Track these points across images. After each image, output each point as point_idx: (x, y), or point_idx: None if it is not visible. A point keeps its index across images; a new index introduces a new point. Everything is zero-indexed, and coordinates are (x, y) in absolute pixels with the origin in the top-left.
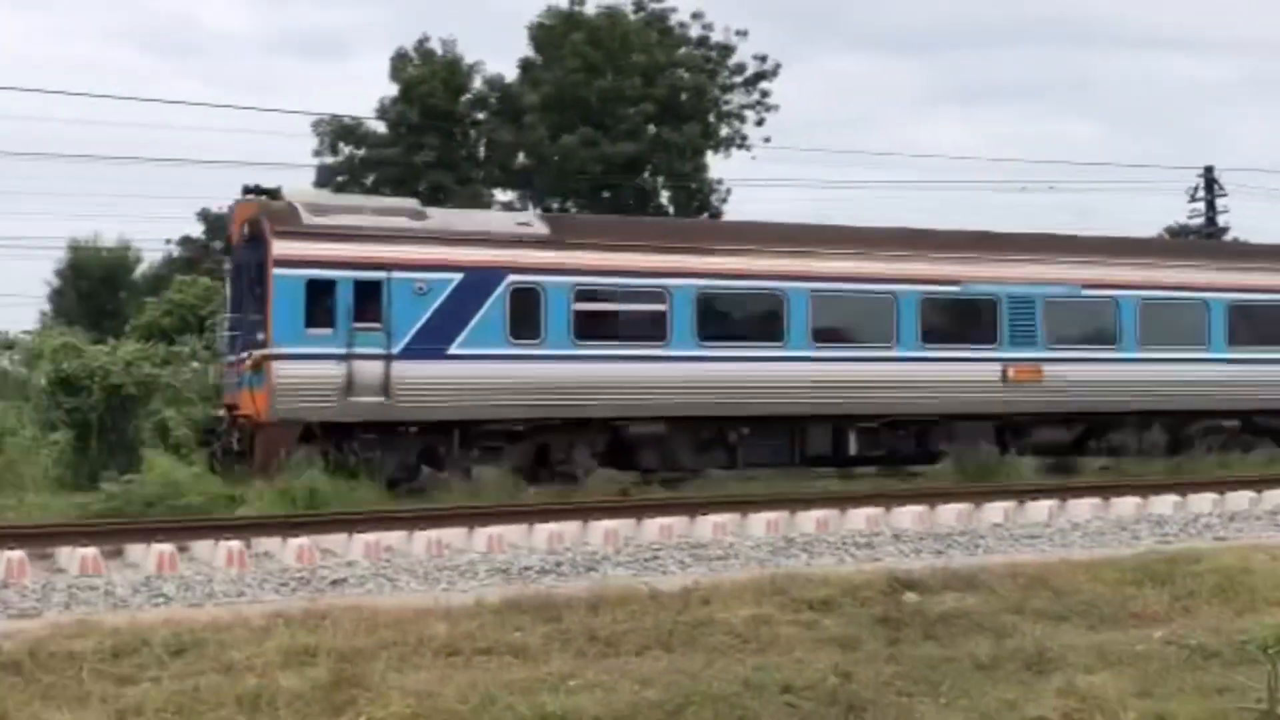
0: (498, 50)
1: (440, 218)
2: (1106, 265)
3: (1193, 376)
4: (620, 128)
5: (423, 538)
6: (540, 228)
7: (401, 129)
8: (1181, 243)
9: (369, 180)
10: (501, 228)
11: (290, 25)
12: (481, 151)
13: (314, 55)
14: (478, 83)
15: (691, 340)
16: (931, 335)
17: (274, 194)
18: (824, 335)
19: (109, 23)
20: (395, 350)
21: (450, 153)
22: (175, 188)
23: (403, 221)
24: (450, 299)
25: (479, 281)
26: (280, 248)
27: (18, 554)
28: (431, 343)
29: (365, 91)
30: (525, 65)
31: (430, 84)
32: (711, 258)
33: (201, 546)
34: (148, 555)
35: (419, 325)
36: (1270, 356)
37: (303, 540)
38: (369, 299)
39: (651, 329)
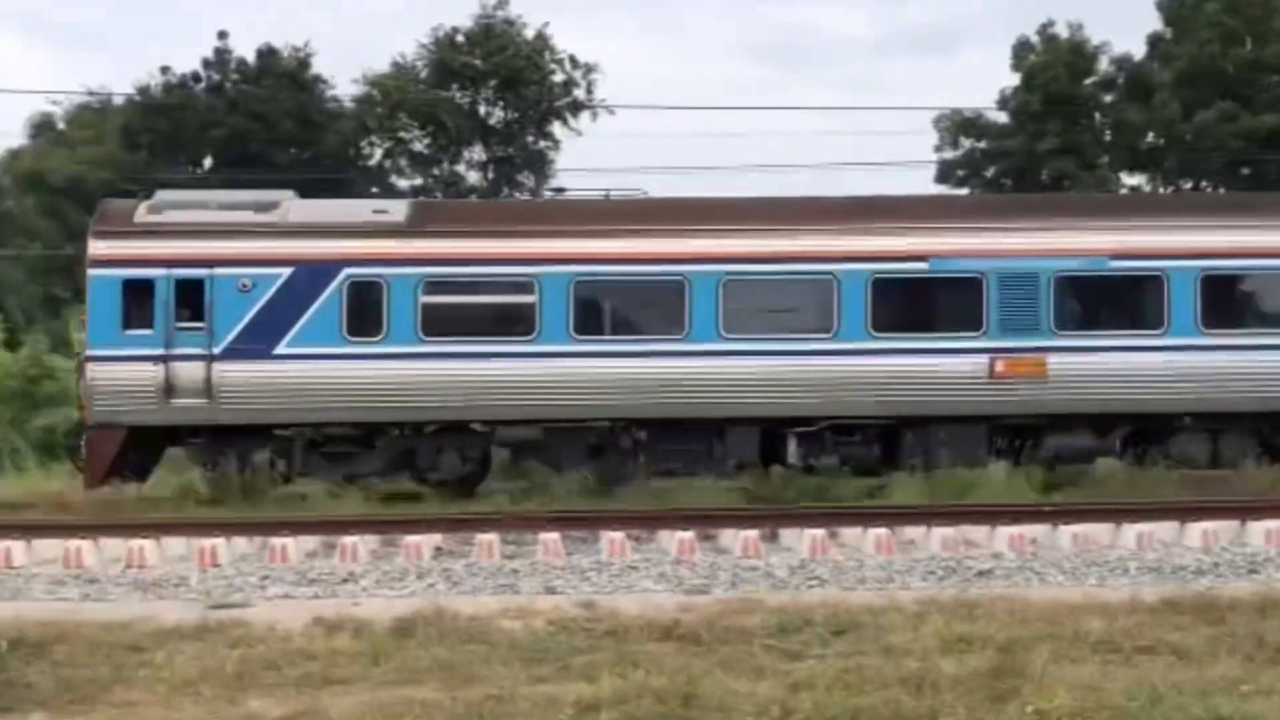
0: (1124, 29)
1: (286, 210)
2: (1148, 229)
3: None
4: (1262, 98)
5: (1067, 532)
6: (396, 216)
7: (1023, 118)
8: (1265, 196)
9: (989, 173)
10: (347, 218)
11: (903, 24)
12: (1107, 135)
13: (926, 51)
14: (1104, 64)
15: (565, 334)
16: (887, 322)
17: (147, 197)
18: (738, 326)
19: (731, 37)
20: (217, 350)
21: (1074, 139)
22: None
23: (235, 215)
24: (278, 295)
25: (311, 276)
26: (96, 247)
27: (688, 534)
28: (256, 342)
29: (981, 83)
30: (1155, 41)
31: (1054, 69)
32: (590, 240)
33: (850, 533)
34: (801, 540)
35: (243, 324)
36: None
37: (948, 530)
38: (191, 297)
39: (517, 323)
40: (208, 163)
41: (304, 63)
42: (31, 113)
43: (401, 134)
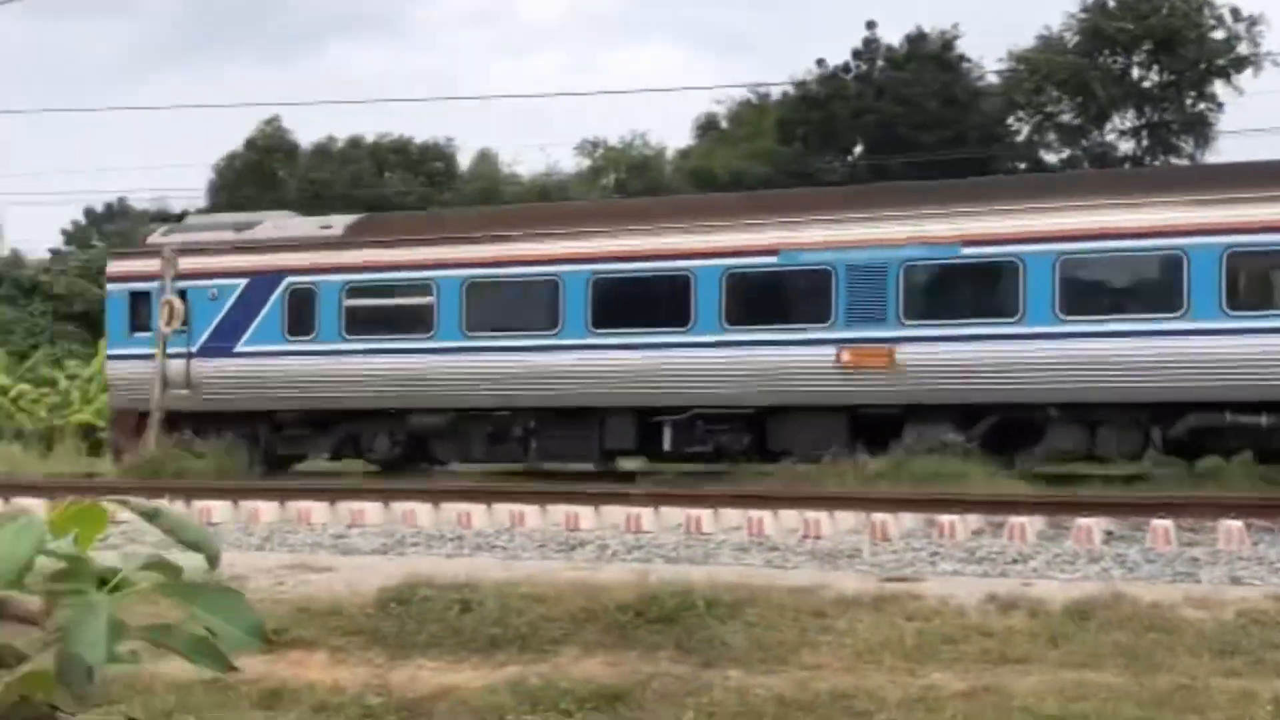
0: None
1: (258, 229)
2: (1001, 214)
3: (1156, 355)
4: None
5: None
6: (335, 230)
7: None
8: (1137, 172)
9: None
10: (295, 233)
11: None
12: None
13: None
14: None
15: (458, 331)
16: (740, 315)
17: (179, 219)
18: (605, 321)
19: None
20: (194, 349)
21: None
22: None
23: (213, 235)
24: (237, 302)
25: (261, 285)
26: (111, 267)
27: None
28: (222, 342)
29: None
30: None
31: None
32: (477, 246)
33: None
34: None
35: (212, 326)
36: None
37: None
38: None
39: (419, 322)
40: (858, 150)
41: (949, 44)
42: (697, 114)
43: (1048, 107)
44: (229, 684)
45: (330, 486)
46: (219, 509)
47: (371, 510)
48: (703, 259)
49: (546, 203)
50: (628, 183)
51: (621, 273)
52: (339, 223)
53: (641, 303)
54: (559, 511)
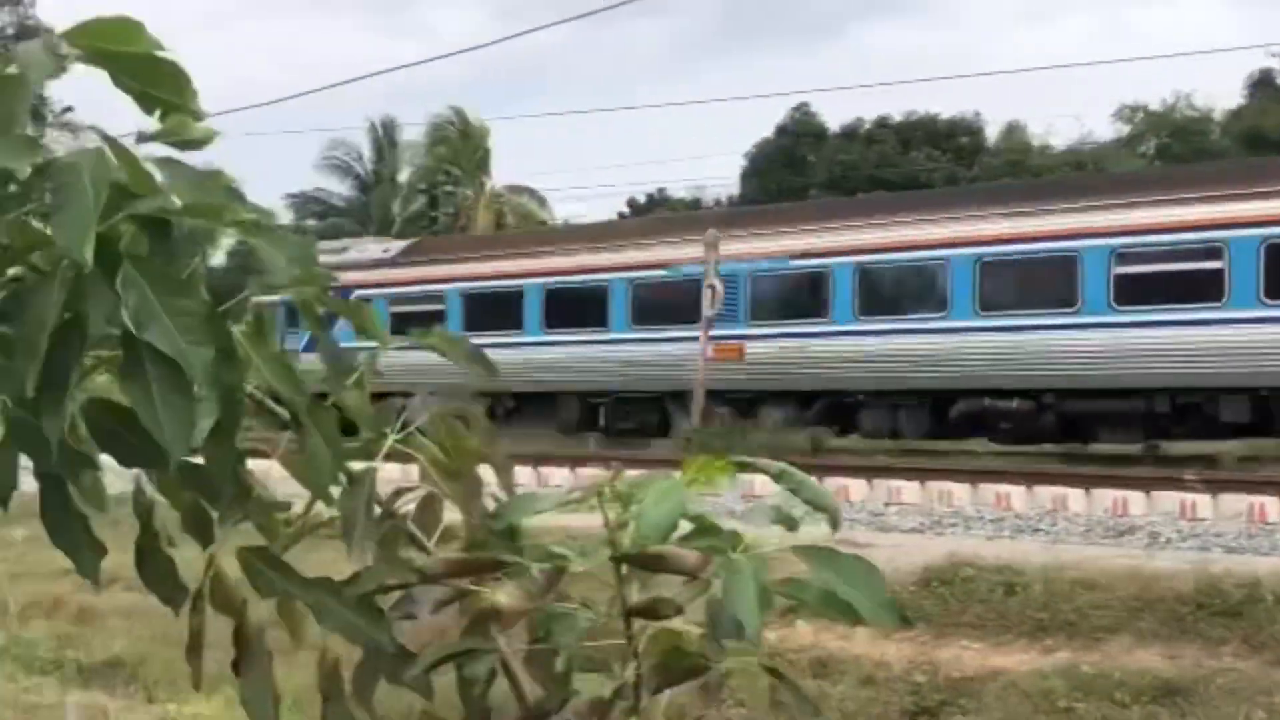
0: None
1: (344, 253)
2: (818, 233)
3: (927, 350)
4: None
5: None
6: (392, 253)
7: None
8: (918, 195)
9: None
10: (364, 256)
11: None
12: None
13: None
14: None
15: (458, 331)
16: (642, 317)
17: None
18: (553, 322)
19: None
20: (299, 349)
21: None
22: None
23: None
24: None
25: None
26: None
27: None
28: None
29: None
30: None
31: None
32: (469, 264)
33: None
34: None
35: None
36: (1053, 321)
37: None
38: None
39: (435, 325)
40: None
41: None
42: (1249, 71)
43: None
44: (777, 650)
45: (868, 465)
46: (758, 481)
47: (909, 489)
48: (616, 272)
49: (515, 231)
50: (1170, 148)
51: (565, 284)
52: (396, 246)
53: (575, 307)
54: (1105, 496)
